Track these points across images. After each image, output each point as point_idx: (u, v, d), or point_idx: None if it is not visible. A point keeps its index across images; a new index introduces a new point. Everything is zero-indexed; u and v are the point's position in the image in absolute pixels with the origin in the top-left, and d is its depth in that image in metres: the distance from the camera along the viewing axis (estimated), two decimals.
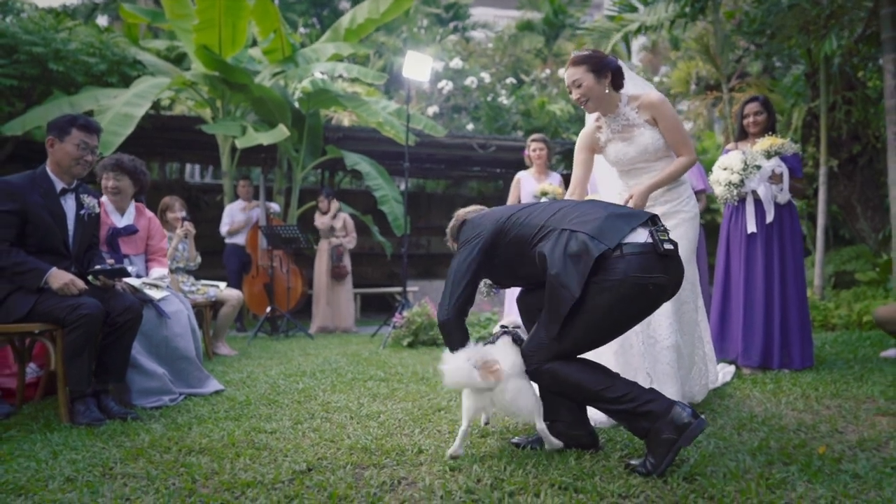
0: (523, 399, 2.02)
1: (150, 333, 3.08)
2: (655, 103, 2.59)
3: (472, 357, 1.97)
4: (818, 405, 2.73)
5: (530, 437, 2.17)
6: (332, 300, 6.78)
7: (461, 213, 2.40)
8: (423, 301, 5.47)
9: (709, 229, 5.72)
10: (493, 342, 2.14)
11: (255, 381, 3.55)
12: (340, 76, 8.47)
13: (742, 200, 3.72)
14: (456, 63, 11.86)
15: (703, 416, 1.78)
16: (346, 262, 6.87)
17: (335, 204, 6.87)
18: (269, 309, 6.11)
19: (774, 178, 3.62)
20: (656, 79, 12.92)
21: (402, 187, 7.15)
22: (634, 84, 2.80)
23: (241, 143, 6.27)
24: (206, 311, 4.67)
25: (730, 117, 6.93)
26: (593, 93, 2.49)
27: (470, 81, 11.79)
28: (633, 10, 6.88)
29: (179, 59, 8.28)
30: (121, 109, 5.86)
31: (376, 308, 9.88)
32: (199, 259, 4.93)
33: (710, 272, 4.85)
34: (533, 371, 1.99)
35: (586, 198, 2.77)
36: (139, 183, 3.60)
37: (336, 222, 6.83)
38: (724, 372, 3.43)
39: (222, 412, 2.73)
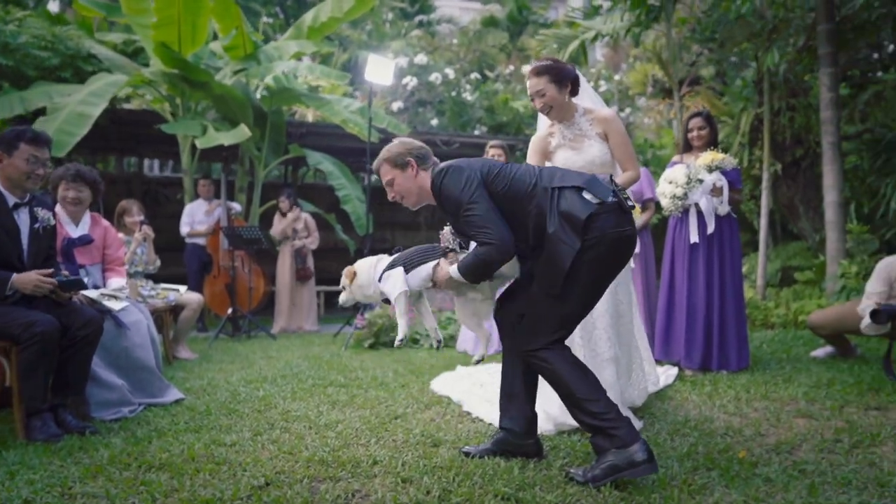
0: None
1: (109, 345, 3.10)
2: (608, 119, 2.77)
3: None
4: (747, 407, 2.95)
5: (480, 447, 2.30)
6: (294, 300, 6.82)
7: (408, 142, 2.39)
8: None
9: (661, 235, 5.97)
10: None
11: (215, 389, 3.61)
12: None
13: (686, 212, 3.92)
14: (420, 59, 11.89)
15: (655, 462, 1.94)
16: (310, 263, 6.91)
17: (295, 211, 6.89)
18: (230, 310, 6.12)
19: (715, 192, 3.83)
20: (616, 77, 13.19)
21: (366, 185, 7.21)
22: (590, 97, 2.98)
23: (201, 144, 6.23)
24: (166, 316, 4.68)
25: (681, 123, 7.18)
26: (556, 102, 2.65)
27: (434, 77, 11.85)
28: (595, 11, 7.05)
29: (137, 53, 8.11)
30: (75, 108, 5.76)
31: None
32: (158, 262, 4.92)
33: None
34: (534, 353, 2.10)
35: None
36: (98, 193, 3.60)
37: (298, 224, 6.85)
38: (668, 374, 3.64)
39: (182, 424, 2.79)
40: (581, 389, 2.03)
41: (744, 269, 7.38)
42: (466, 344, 4.94)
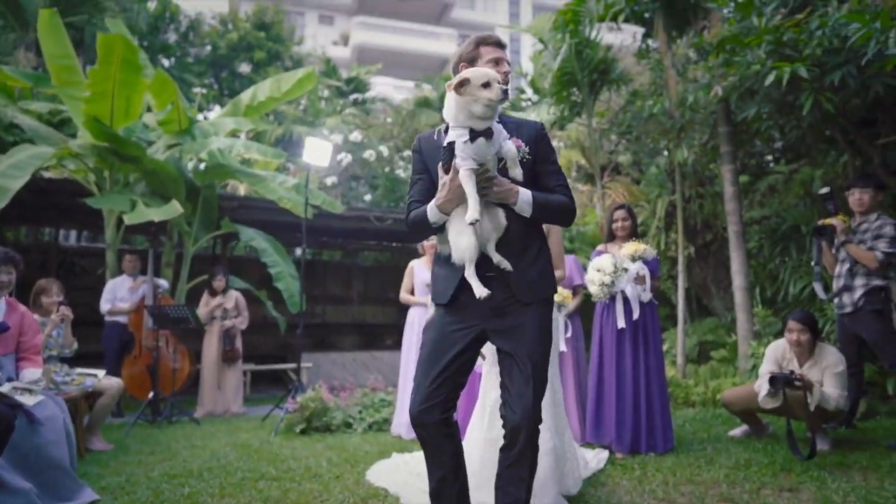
0: None
1: (19, 443, 2.88)
2: (551, 226, 3.01)
3: None
4: (675, 492, 3.07)
5: None
6: (220, 382, 6.54)
7: None
8: (318, 385, 5.45)
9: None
10: None
11: (134, 486, 3.38)
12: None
13: (612, 298, 4.17)
14: (355, 136, 12.18)
15: None
16: (238, 343, 6.69)
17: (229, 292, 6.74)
18: (151, 393, 5.79)
19: (639, 280, 4.11)
20: None
21: (300, 261, 7.16)
22: None
23: (129, 220, 6.05)
24: (81, 404, 4.38)
25: (603, 210, 7.67)
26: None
27: (369, 154, 12.13)
28: (516, 105, 7.57)
29: (63, 124, 7.91)
30: None
31: (269, 380, 9.56)
32: (75, 346, 4.65)
33: None
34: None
35: None
36: (20, 273, 3.43)
37: (228, 303, 6.67)
38: (599, 458, 3.74)
39: None
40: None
41: (665, 346, 7.77)
42: (401, 428, 4.89)
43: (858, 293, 4.11)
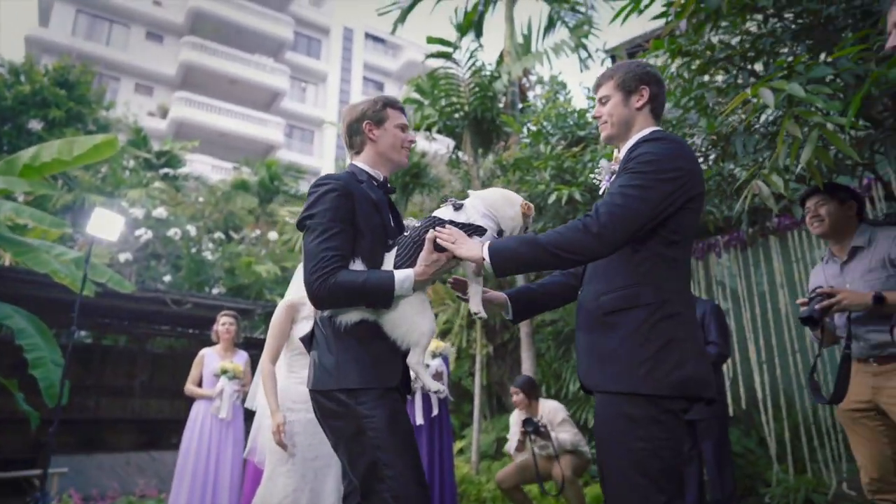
0: None
1: None
2: None
3: None
4: None
5: None
6: None
7: None
8: (68, 495, 4.59)
9: None
10: None
11: None
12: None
13: (412, 394, 4.20)
14: (160, 212, 11.32)
15: None
16: None
17: None
18: None
19: (436, 376, 4.21)
20: None
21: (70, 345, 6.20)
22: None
23: None
24: None
25: None
26: None
27: (174, 233, 11.30)
28: None
29: None
30: None
31: (11, 490, 7.83)
32: None
33: None
34: None
35: None
36: None
37: None
38: None
39: None
40: None
41: (464, 443, 7.94)
42: None
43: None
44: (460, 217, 1.90)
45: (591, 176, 2.22)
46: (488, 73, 7.52)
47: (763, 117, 3.18)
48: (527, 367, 6.47)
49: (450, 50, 7.26)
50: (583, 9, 8.09)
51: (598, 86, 2.03)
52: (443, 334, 8.14)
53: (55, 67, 16.00)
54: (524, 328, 6.56)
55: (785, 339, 5.41)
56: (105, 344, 11.65)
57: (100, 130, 16.23)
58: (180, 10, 26.09)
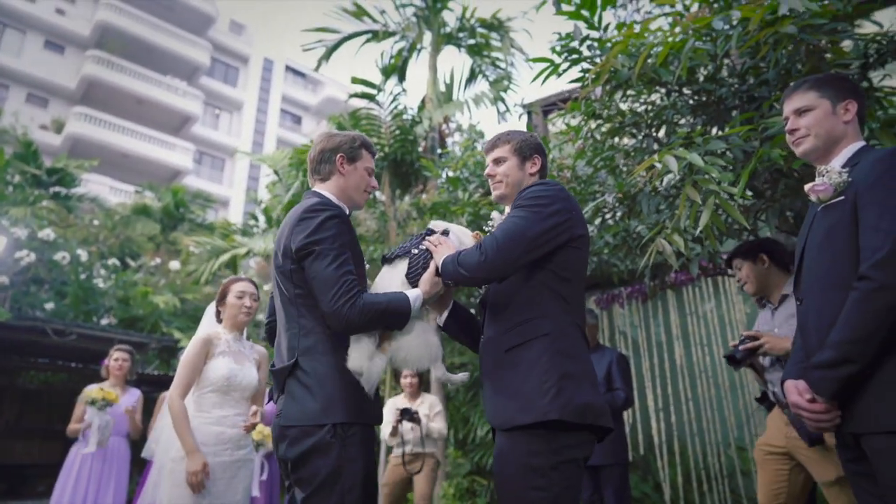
0: None
1: None
2: (266, 357, 3.12)
3: None
4: None
5: None
6: None
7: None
8: None
9: None
10: None
11: None
12: None
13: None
14: (48, 234, 10.43)
15: None
16: None
17: None
18: None
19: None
20: (266, 287, 13.64)
21: None
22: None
23: None
24: None
25: None
26: None
27: (61, 257, 10.42)
28: (247, 232, 7.47)
29: None
30: None
31: None
32: None
33: None
34: None
35: None
36: None
37: None
38: None
39: None
40: None
41: None
42: None
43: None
44: (452, 240, 2.06)
45: (486, 228, 2.28)
46: (410, 117, 7.68)
47: (666, 180, 3.45)
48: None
49: (373, 91, 7.36)
50: (503, 65, 8.50)
51: (493, 146, 2.13)
52: None
53: None
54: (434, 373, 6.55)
55: (679, 388, 5.75)
56: None
57: None
58: (87, 22, 24.74)
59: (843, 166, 1.81)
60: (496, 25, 8.21)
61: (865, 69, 2.90)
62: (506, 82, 8.26)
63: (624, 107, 3.61)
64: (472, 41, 8.50)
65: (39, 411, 10.03)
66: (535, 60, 3.45)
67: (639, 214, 3.54)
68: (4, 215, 11.16)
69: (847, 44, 2.97)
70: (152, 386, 8.67)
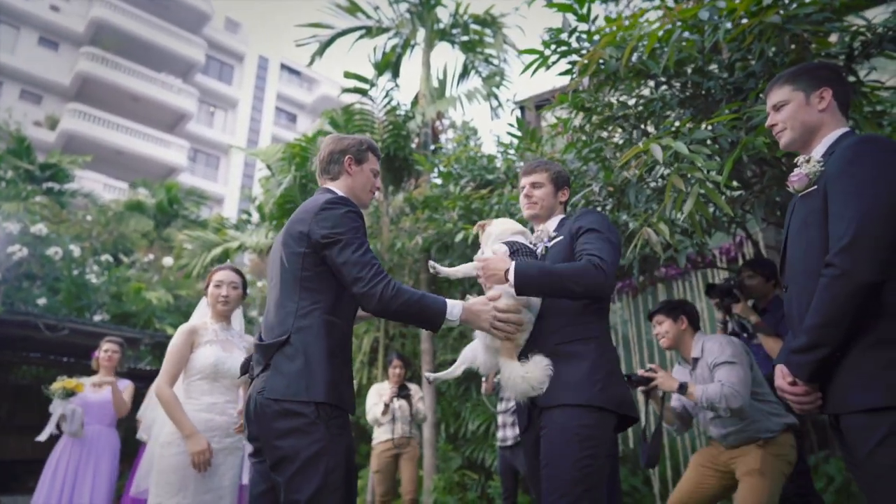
0: None
1: None
2: None
3: None
4: None
5: None
6: None
7: None
8: None
9: None
10: None
11: None
12: None
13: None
14: (40, 229, 10.38)
15: None
16: None
17: None
18: None
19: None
20: (259, 284, 13.66)
21: None
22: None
23: None
24: None
25: None
26: None
27: (54, 252, 10.38)
28: (242, 225, 7.46)
29: None
30: None
31: None
32: None
33: None
34: None
35: None
36: None
37: None
38: None
39: None
40: None
41: (360, 482, 7.70)
42: None
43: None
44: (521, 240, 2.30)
45: (532, 242, 2.34)
46: (403, 112, 7.69)
47: (655, 172, 3.47)
48: (427, 406, 6.44)
49: (366, 86, 7.36)
50: (496, 61, 8.51)
51: (532, 171, 2.43)
52: None
53: None
54: (425, 367, 6.57)
55: None
56: None
57: None
58: (81, 18, 24.63)
59: (824, 154, 1.84)
60: (489, 21, 8.23)
61: (851, 62, 2.92)
62: (498, 78, 8.28)
63: (613, 100, 3.62)
64: (465, 37, 8.51)
65: (32, 407, 9.98)
66: (525, 52, 3.47)
67: (627, 206, 3.56)
68: None
69: (836, 38, 3.00)
70: (145, 381, 8.61)
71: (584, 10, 3.28)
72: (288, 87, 32.65)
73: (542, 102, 7.74)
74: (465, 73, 8.68)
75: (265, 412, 1.84)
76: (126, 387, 4.67)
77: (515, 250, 2.17)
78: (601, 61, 3.19)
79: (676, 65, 3.12)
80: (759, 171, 3.30)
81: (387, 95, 7.64)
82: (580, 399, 2.01)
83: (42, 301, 10.31)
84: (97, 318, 10.84)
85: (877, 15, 3.05)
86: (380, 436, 5.17)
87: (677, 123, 2.90)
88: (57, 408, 4.24)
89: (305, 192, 7.19)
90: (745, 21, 2.71)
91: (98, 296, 11.12)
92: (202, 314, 3.13)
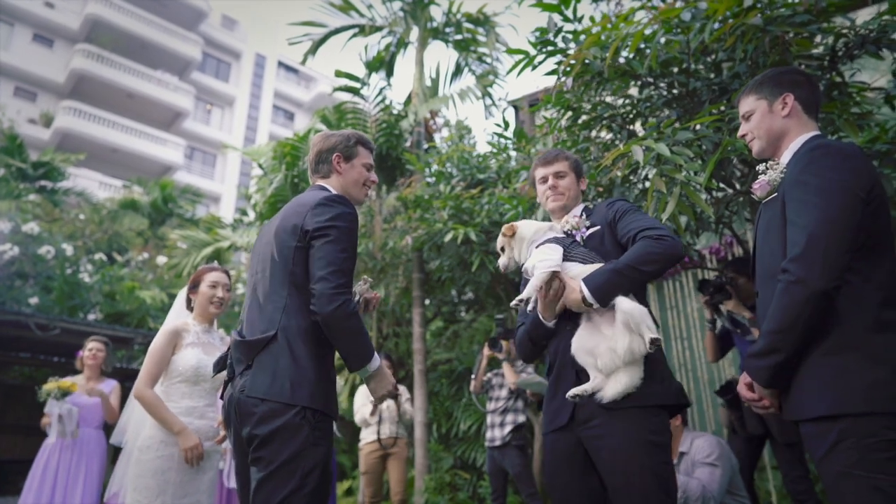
0: None
1: None
2: None
3: None
4: None
5: None
6: None
7: None
8: None
9: None
10: None
11: None
12: None
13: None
14: (32, 227, 10.35)
15: None
16: None
17: None
18: None
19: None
20: None
21: None
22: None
23: None
24: None
25: None
26: None
27: (46, 251, 10.35)
28: (236, 225, 7.43)
29: None
30: None
31: None
32: None
33: None
34: None
35: None
36: None
37: None
38: None
39: None
40: None
41: (353, 483, 7.69)
42: None
43: (508, 429, 4.68)
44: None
45: (566, 227, 2.26)
46: (396, 111, 7.66)
47: (639, 173, 3.46)
48: (419, 405, 6.43)
49: (357, 85, 7.33)
50: (489, 60, 8.48)
51: (553, 160, 2.33)
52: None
53: None
54: (417, 365, 6.55)
55: None
56: None
57: None
58: (76, 15, 24.53)
59: (791, 160, 1.85)
60: (482, 20, 8.20)
61: (834, 63, 2.91)
62: (492, 77, 8.25)
63: (599, 100, 3.61)
64: (458, 36, 8.48)
65: (22, 407, 9.96)
66: (511, 52, 3.45)
67: None
68: None
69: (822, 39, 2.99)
70: (135, 381, 8.62)
71: (570, 11, 3.27)
72: (285, 85, 32.57)
73: (535, 101, 7.73)
74: (458, 72, 8.65)
75: (248, 411, 1.81)
76: (112, 388, 4.65)
77: (566, 246, 2.10)
78: (586, 61, 3.18)
79: (662, 65, 3.11)
80: (744, 172, 3.29)
81: (380, 94, 7.61)
82: (655, 400, 2.01)
83: (34, 300, 10.28)
84: (91, 317, 10.81)
85: (867, 15, 3.05)
86: (366, 436, 5.17)
87: (659, 123, 2.89)
88: (54, 408, 4.23)
89: (297, 191, 7.16)
90: (730, 21, 2.69)
91: (91, 295, 11.08)
92: (180, 311, 3.09)
